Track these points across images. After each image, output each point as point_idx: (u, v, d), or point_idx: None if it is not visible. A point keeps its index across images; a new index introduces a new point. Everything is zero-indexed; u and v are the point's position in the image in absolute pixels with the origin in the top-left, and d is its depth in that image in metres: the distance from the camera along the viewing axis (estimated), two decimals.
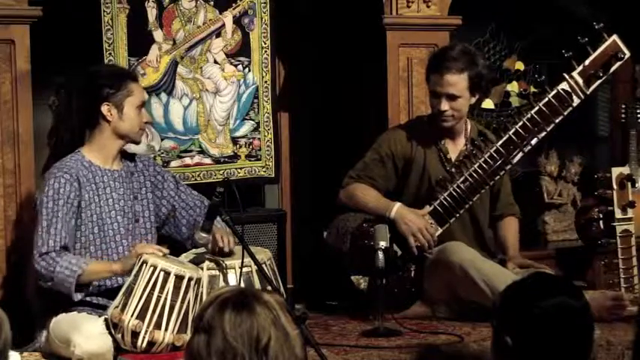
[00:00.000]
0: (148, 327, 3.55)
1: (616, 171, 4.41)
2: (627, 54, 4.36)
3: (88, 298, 3.76)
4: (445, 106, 4.25)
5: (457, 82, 4.24)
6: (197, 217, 3.99)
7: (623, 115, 5.45)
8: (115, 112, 3.85)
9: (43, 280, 3.67)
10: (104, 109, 3.84)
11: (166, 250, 3.70)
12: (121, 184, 3.91)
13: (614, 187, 4.38)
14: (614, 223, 4.39)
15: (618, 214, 4.38)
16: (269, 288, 3.54)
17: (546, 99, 4.31)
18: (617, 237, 4.38)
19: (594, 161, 5.82)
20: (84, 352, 3.52)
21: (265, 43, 4.80)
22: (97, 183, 3.85)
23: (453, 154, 4.41)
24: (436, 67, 4.29)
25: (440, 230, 4.30)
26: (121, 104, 3.85)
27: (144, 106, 3.95)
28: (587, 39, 4.30)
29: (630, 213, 4.39)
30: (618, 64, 4.35)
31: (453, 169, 4.34)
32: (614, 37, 4.35)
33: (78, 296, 3.69)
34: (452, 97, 4.25)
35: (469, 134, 4.44)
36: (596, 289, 4.42)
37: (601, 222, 4.56)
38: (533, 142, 4.32)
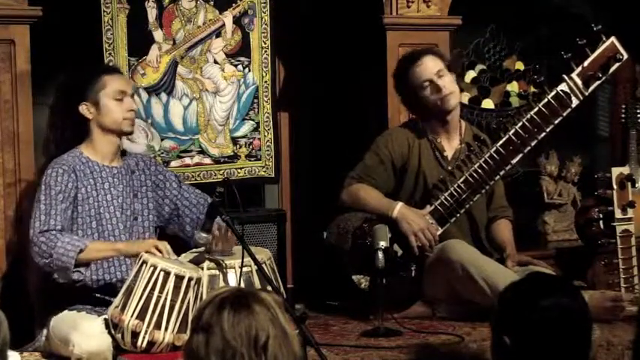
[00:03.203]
0: (147, 327, 3.55)
1: (616, 171, 4.41)
2: (625, 55, 4.37)
3: (87, 295, 3.77)
4: (444, 82, 4.31)
5: (435, 60, 4.37)
6: (200, 215, 3.99)
7: (623, 115, 5.46)
8: (93, 109, 3.87)
9: (41, 256, 3.65)
10: (82, 108, 3.87)
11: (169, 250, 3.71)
12: (120, 181, 3.92)
13: (614, 187, 4.38)
14: (614, 223, 4.39)
15: (618, 214, 4.38)
16: (269, 288, 3.54)
17: (545, 100, 4.32)
18: (617, 237, 4.39)
19: (594, 161, 5.82)
20: (83, 351, 3.52)
21: (265, 43, 4.80)
22: (95, 178, 3.86)
23: (449, 153, 4.44)
24: (411, 60, 4.39)
25: (440, 230, 4.31)
26: (97, 99, 3.86)
27: (127, 95, 3.90)
28: (585, 40, 4.32)
29: (630, 213, 4.40)
30: (617, 65, 4.37)
31: (454, 169, 4.36)
32: (613, 38, 4.36)
33: (74, 275, 3.68)
34: (441, 75, 4.33)
35: (464, 134, 4.47)
36: (596, 289, 4.42)
37: (601, 222, 4.56)
38: (533, 143, 4.34)
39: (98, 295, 3.79)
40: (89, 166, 3.87)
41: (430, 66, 4.35)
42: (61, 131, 3.92)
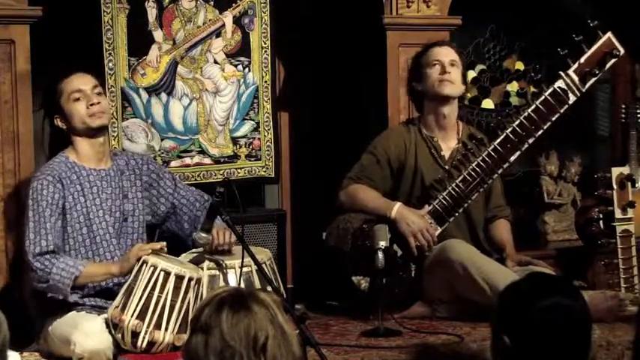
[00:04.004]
0: (148, 327, 3.55)
1: (616, 171, 4.41)
2: (622, 51, 4.38)
3: (85, 299, 3.76)
4: (451, 69, 4.37)
5: (456, 54, 4.46)
6: (197, 213, 4.00)
7: (623, 115, 5.45)
8: (63, 119, 3.89)
9: (38, 281, 3.68)
10: (56, 121, 3.91)
11: (163, 243, 3.70)
12: (109, 184, 3.91)
13: (614, 187, 4.39)
14: (614, 223, 4.40)
15: (618, 214, 4.39)
16: (269, 288, 3.54)
17: (542, 97, 4.34)
18: (617, 237, 4.39)
19: (594, 161, 5.82)
20: (84, 350, 3.52)
21: (265, 43, 4.80)
22: (83, 183, 3.85)
23: (446, 152, 4.45)
24: (436, 44, 4.48)
25: (439, 230, 4.31)
26: (61, 108, 3.88)
27: (85, 92, 3.88)
28: (582, 37, 4.33)
29: (630, 213, 4.40)
30: (613, 61, 4.38)
31: (452, 169, 4.36)
32: (609, 34, 4.37)
33: (73, 297, 3.69)
34: (453, 64, 4.40)
35: (461, 134, 4.48)
36: (596, 289, 4.43)
37: (601, 222, 4.56)
38: (531, 140, 4.35)
39: (95, 302, 3.79)
40: (75, 171, 3.86)
41: (448, 52, 4.43)
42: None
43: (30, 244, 3.70)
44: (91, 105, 3.86)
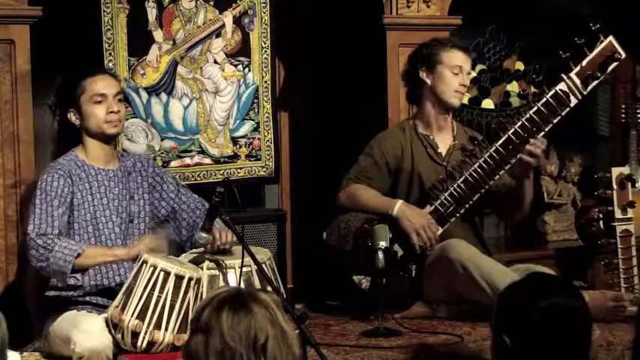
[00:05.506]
0: (148, 327, 3.55)
1: (616, 171, 4.42)
2: (623, 55, 4.38)
3: (87, 298, 3.76)
4: (465, 81, 4.39)
5: (470, 63, 4.46)
6: (197, 219, 3.99)
7: (623, 115, 5.46)
8: (78, 116, 3.88)
9: (38, 259, 3.66)
10: (69, 115, 3.90)
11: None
12: (116, 184, 3.91)
13: (614, 187, 4.39)
14: (614, 223, 4.40)
15: (618, 214, 4.39)
16: (269, 288, 3.54)
17: (544, 99, 4.33)
18: (617, 237, 4.39)
19: (594, 161, 5.82)
20: (84, 349, 3.51)
21: (265, 43, 4.80)
22: (91, 182, 3.86)
23: (442, 149, 4.45)
24: (461, 47, 4.42)
25: (440, 230, 4.31)
26: (80, 105, 3.87)
27: (107, 97, 3.86)
28: (583, 40, 4.33)
29: (630, 213, 4.40)
30: (614, 64, 4.38)
31: (453, 170, 4.36)
32: (610, 38, 4.37)
33: (71, 281, 3.68)
34: (468, 73, 4.44)
35: (456, 131, 4.50)
36: (596, 289, 4.43)
37: (601, 222, 4.56)
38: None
39: (96, 301, 3.78)
40: (85, 169, 3.87)
41: (468, 61, 4.41)
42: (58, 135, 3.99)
43: (34, 227, 3.69)
44: (111, 112, 3.87)
